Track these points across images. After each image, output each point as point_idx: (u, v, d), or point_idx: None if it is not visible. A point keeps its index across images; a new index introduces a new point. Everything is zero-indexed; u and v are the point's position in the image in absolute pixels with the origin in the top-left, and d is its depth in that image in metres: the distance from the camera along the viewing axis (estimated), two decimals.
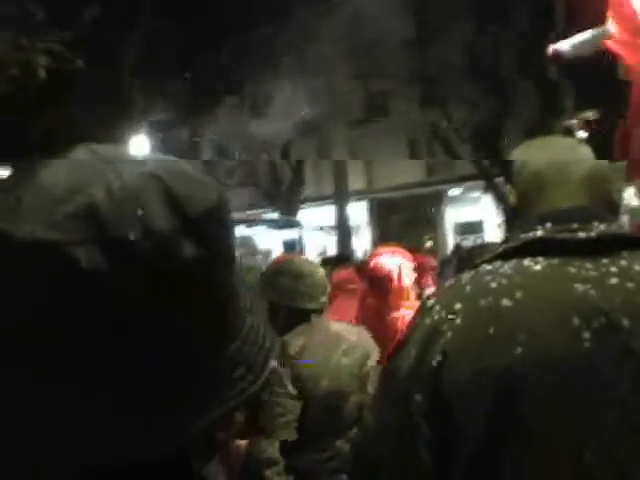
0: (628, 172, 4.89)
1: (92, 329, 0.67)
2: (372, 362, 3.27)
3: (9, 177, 0.73)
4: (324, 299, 3.33)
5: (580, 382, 1.30)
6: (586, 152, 1.62)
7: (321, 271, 3.44)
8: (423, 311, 1.45)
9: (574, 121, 11.66)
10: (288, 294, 3.27)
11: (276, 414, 3.08)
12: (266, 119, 23.45)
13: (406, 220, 27.54)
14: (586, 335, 1.31)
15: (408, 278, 4.09)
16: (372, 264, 4.24)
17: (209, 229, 0.72)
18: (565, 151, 1.61)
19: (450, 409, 1.32)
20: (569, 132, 11.39)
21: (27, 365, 0.68)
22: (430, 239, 26.85)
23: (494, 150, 22.52)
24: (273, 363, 0.79)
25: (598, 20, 3.88)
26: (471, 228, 26.92)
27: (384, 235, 26.66)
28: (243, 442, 3.17)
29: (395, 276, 4.02)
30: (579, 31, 4.18)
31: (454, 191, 27.73)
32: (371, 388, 3.18)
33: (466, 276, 1.47)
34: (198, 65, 22.83)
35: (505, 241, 1.52)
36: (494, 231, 26.06)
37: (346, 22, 20.44)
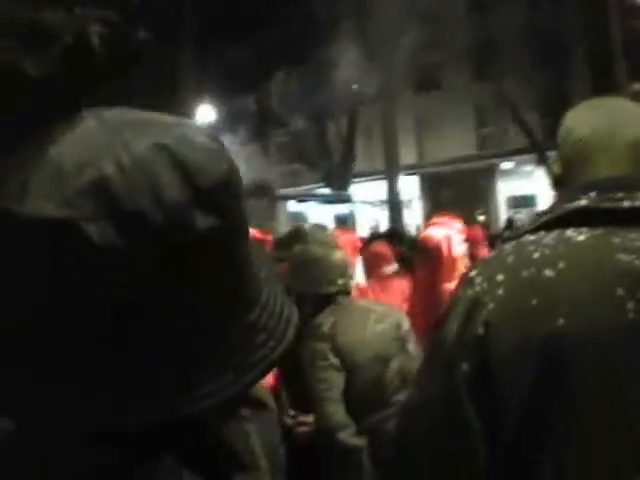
0: None
1: (106, 306, 0.66)
2: (405, 327, 3.30)
3: (15, 154, 0.70)
4: (342, 281, 3.32)
5: (622, 353, 1.29)
6: (639, 114, 1.55)
7: (336, 254, 3.42)
8: (465, 283, 1.43)
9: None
10: (308, 282, 3.31)
11: (321, 389, 3.11)
12: (324, 91, 23.42)
13: (458, 194, 27.29)
14: (630, 306, 1.29)
15: (459, 249, 4.08)
16: (422, 236, 4.25)
17: (221, 199, 0.71)
18: (614, 116, 1.54)
19: (495, 378, 1.31)
20: (635, 97, 10.88)
21: (34, 352, 0.67)
22: (482, 213, 26.63)
23: (558, 118, 22.10)
24: (293, 331, 0.79)
25: None
26: (524, 202, 26.59)
27: (435, 209, 26.52)
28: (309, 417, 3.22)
29: (445, 247, 4.03)
30: None
31: (506, 164, 27.43)
32: (411, 347, 3.23)
33: (508, 247, 1.45)
34: (261, 34, 22.85)
35: (549, 211, 1.48)
36: (547, 204, 25.75)
37: None
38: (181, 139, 0.71)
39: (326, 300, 3.29)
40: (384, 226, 18.02)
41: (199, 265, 0.70)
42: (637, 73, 13.37)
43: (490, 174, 27.76)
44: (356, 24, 24.99)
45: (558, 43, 22.44)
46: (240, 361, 0.74)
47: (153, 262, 0.67)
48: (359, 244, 4.88)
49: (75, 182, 0.66)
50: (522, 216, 21.60)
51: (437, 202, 27.58)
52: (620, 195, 1.38)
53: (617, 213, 1.37)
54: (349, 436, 3.06)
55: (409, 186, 25.98)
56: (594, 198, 1.40)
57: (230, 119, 25.33)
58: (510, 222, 17.19)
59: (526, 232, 1.46)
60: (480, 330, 1.33)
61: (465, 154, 26.85)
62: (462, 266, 4.02)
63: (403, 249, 5.62)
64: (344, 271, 3.35)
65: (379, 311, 3.33)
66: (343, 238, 4.32)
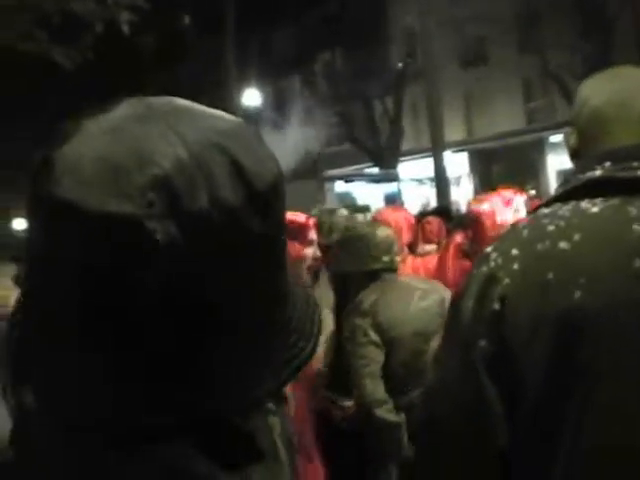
0: None
1: (169, 304, 0.66)
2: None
3: (67, 144, 0.68)
4: (387, 258, 3.31)
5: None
6: None
7: (383, 231, 3.41)
8: (481, 260, 1.42)
9: None
10: (354, 260, 3.31)
11: (360, 365, 3.12)
12: (370, 69, 23.33)
13: (507, 169, 27.04)
14: None
15: (507, 216, 4.01)
16: (466, 211, 4.26)
17: (272, 203, 0.71)
18: (629, 86, 1.50)
19: (513, 354, 1.31)
20: None
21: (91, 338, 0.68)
22: (533, 188, 26.36)
23: None
24: (318, 331, 0.80)
25: None
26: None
27: (485, 185, 26.27)
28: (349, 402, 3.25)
29: (488, 218, 3.97)
30: None
31: (555, 137, 27.05)
32: None
33: (523, 221, 1.44)
34: (304, 18, 22.84)
35: (564, 183, 1.46)
36: None
37: None
38: (235, 138, 0.71)
39: (371, 277, 3.30)
40: (433, 203, 17.92)
41: (252, 266, 0.70)
42: None
43: (539, 148, 27.41)
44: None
45: (602, 13, 22.15)
46: (277, 360, 0.75)
47: (210, 261, 0.67)
48: (412, 221, 4.86)
49: (136, 178, 0.65)
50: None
51: (486, 178, 27.35)
52: (635, 164, 1.36)
53: (633, 182, 1.35)
54: (387, 412, 3.08)
55: (458, 163, 25.79)
56: (609, 168, 1.37)
57: (276, 102, 25.39)
58: None
59: (541, 205, 1.44)
60: (496, 306, 1.32)
61: (513, 129, 26.55)
62: None
63: (450, 226, 5.62)
64: (389, 248, 3.35)
65: (424, 288, 3.32)
66: (394, 216, 4.31)
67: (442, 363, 1.47)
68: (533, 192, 25.27)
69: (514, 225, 1.45)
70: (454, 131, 24.74)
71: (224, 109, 0.79)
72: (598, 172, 1.38)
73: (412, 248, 5.00)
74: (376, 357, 3.13)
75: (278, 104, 26.30)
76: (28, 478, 0.71)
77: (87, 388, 0.69)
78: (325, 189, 24.62)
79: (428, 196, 24.83)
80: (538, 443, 1.32)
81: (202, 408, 0.70)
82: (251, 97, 23.82)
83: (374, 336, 3.13)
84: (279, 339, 0.75)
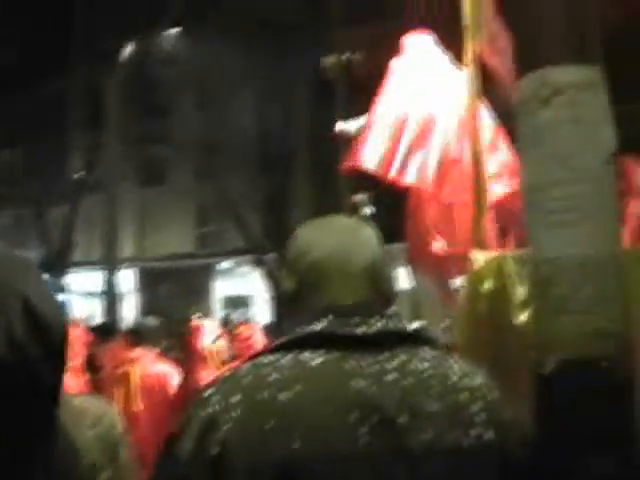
0: (407, 255, 5.35)
1: None
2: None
3: None
4: None
5: (358, 477, 1.33)
6: (368, 235, 1.62)
7: None
8: (199, 402, 1.41)
9: (361, 197, 11.51)
10: None
11: None
12: (47, 175, 22.77)
13: (175, 290, 27.34)
14: (363, 431, 1.34)
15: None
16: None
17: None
18: (346, 237, 1.59)
19: None
20: (355, 209, 11.31)
21: None
22: (198, 311, 26.77)
23: (280, 222, 23.09)
24: None
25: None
26: (239, 302, 27.21)
27: (152, 304, 26.33)
28: None
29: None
30: (359, 113, 4.64)
31: (224, 264, 28.01)
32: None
33: (245, 367, 1.44)
34: None
35: (285, 332, 1.49)
36: (262, 306, 26.57)
37: (133, 85, 20.48)
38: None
39: None
40: (99, 318, 17.66)
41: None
42: (357, 185, 14.26)
43: (208, 272, 28.15)
44: (83, 110, 24.81)
45: (283, 149, 23.53)
46: None
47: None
48: (88, 337, 4.88)
49: None
50: (237, 315, 22.03)
51: (154, 297, 27.46)
52: (356, 321, 1.45)
53: (353, 339, 1.43)
54: None
55: (127, 279, 25.68)
56: (331, 322, 1.44)
57: None
58: (225, 321, 17.46)
59: (262, 353, 1.47)
60: (215, 450, 1.32)
61: (184, 251, 27.11)
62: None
63: (109, 342, 5.56)
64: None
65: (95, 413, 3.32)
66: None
67: None
68: (198, 315, 25.78)
69: (235, 370, 1.45)
70: (126, 247, 24.72)
71: None
72: (320, 326, 1.44)
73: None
74: None
75: None
76: None
77: None
78: None
79: (93, 310, 24.38)
80: None
81: None
82: None
83: None
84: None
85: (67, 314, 0.84)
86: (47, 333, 0.75)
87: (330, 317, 1.45)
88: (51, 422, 0.81)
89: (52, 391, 0.76)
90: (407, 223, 5.00)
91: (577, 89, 2.62)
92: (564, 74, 2.62)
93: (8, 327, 0.72)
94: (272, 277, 23.68)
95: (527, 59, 2.74)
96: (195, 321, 5.27)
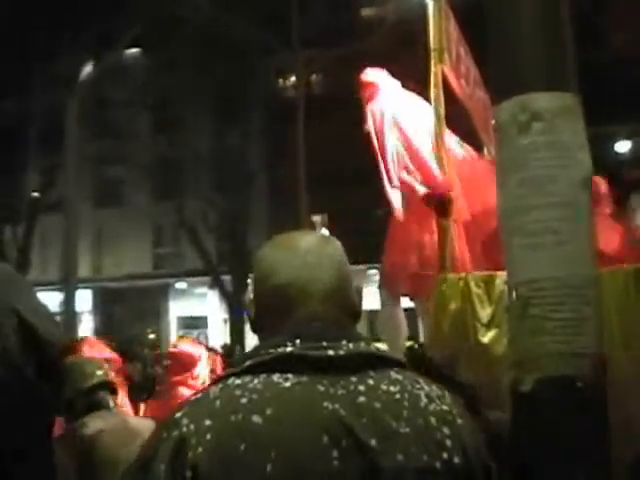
0: (382, 275, 5.53)
1: None
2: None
3: None
4: None
5: None
6: (332, 252, 1.62)
7: None
8: (170, 424, 1.39)
9: (318, 217, 11.63)
10: None
11: None
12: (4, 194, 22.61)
13: (131, 310, 27.30)
14: (335, 454, 1.33)
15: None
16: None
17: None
18: (310, 257, 1.58)
19: None
20: (313, 230, 11.52)
21: None
22: (153, 332, 26.69)
23: (237, 244, 23.14)
24: None
25: None
26: (195, 322, 27.25)
27: (107, 325, 26.21)
28: None
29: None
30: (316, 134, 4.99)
31: (181, 284, 28.01)
32: None
33: (215, 390, 1.43)
34: None
35: (252, 355, 1.48)
36: (217, 326, 26.60)
37: (92, 105, 20.48)
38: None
39: None
40: None
41: None
42: (317, 206, 14.36)
43: (164, 292, 28.13)
44: (41, 129, 24.71)
45: (240, 170, 23.61)
46: None
47: None
48: None
49: None
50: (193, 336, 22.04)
51: (109, 317, 27.37)
52: (325, 344, 1.44)
53: (322, 361, 1.42)
54: None
55: (83, 299, 25.54)
56: (300, 345, 1.44)
57: None
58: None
59: (232, 375, 1.45)
60: (188, 473, 1.31)
61: (141, 271, 27.10)
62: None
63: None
64: None
65: None
66: None
67: None
68: (153, 336, 25.64)
69: (205, 393, 1.44)
70: (82, 267, 24.63)
71: None
72: (289, 348, 1.43)
73: None
74: None
75: None
76: None
77: None
78: None
79: None
80: None
81: None
82: None
83: None
84: None
85: (60, 328, 0.84)
86: (41, 346, 0.81)
87: (297, 340, 1.45)
88: (46, 436, 0.83)
89: (47, 405, 0.80)
90: (386, 244, 5.29)
91: (555, 114, 2.68)
92: (542, 100, 2.70)
93: (3, 341, 0.78)
94: (228, 298, 23.75)
95: (505, 85, 2.81)
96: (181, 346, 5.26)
